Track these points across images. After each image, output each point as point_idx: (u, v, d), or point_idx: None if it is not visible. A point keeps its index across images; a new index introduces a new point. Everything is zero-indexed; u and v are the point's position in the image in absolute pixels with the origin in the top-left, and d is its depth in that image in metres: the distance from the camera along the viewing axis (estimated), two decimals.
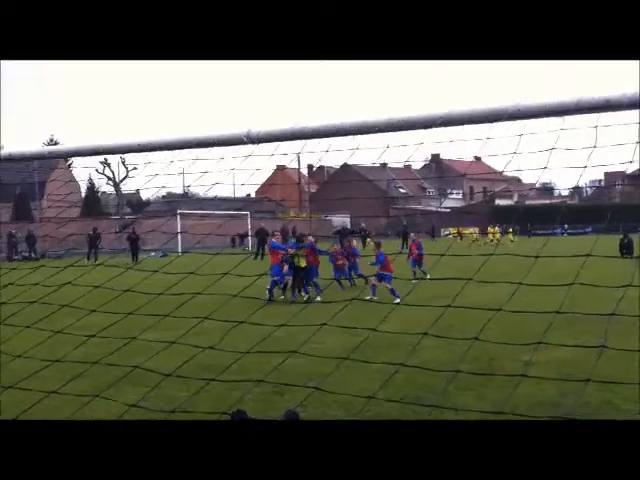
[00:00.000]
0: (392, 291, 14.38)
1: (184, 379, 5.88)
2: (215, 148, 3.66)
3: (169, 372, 4.82)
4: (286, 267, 15.23)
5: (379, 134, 3.02)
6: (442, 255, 3.71)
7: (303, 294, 15.41)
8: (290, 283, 15.51)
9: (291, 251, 15.29)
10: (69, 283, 4.88)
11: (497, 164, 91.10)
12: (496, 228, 43.21)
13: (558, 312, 3.33)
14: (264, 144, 3.46)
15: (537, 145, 2.92)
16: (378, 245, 16.01)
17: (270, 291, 14.99)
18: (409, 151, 3.23)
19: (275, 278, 15.22)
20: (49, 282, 4.75)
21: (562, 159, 2.75)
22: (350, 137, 3.19)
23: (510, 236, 42.25)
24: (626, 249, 25.59)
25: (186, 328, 5.05)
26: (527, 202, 73.93)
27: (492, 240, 40.00)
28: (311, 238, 16.46)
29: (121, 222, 37.87)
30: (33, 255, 35.17)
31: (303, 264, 15.17)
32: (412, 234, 25.30)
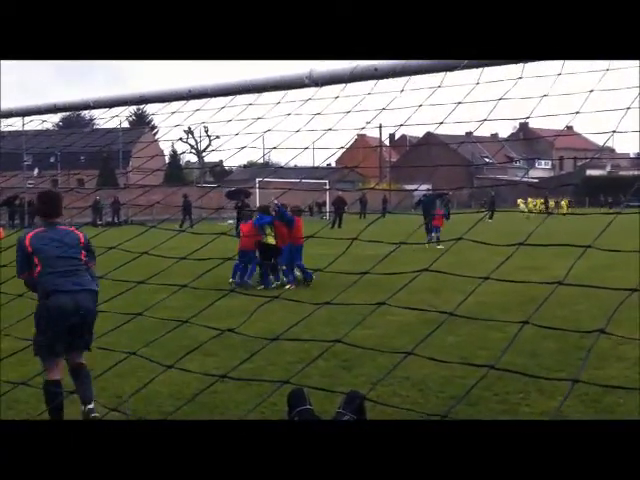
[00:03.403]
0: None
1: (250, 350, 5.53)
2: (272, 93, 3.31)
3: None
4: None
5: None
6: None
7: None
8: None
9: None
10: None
11: (589, 133, 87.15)
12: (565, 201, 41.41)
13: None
14: (328, 86, 3.07)
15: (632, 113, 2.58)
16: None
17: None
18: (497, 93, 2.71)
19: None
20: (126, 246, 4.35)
21: None
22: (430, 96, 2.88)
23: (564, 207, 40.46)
24: None
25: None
26: (620, 173, 70.20)
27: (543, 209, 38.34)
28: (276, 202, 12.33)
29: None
30: (116, 221, 36.02)
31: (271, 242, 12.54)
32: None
